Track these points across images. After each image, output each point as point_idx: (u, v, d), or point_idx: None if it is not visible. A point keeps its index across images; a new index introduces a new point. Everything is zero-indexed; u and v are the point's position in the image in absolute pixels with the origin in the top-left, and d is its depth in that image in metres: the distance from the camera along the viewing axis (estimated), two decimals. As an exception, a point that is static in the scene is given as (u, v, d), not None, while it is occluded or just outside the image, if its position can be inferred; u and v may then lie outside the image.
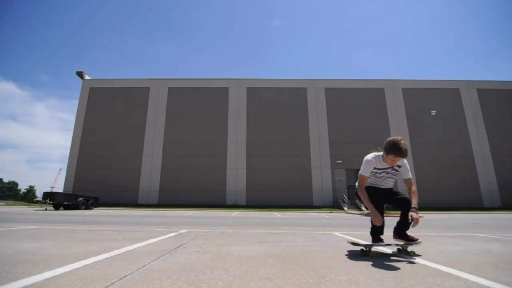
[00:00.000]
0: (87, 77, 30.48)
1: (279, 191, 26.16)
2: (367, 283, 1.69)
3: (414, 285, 1.67)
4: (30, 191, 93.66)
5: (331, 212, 19.07)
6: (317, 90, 29.46)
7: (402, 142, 2.65)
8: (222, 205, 25.35)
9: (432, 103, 28.61)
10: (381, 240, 2.87)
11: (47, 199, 16.30)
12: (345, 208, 23.11)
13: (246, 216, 11.69)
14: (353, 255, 2.67)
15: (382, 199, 2.99)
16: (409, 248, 2.80)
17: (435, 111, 27.97)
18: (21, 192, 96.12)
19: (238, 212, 16.37)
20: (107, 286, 1.55)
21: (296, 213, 17.17)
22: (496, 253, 2.91)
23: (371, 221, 2.85)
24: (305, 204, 25.67)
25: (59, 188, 79.78)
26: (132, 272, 1.86)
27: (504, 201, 25.92)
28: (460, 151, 27.42)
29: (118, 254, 2.51)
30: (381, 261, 2.41)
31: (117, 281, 1.66)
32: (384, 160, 2.85)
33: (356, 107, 28.68)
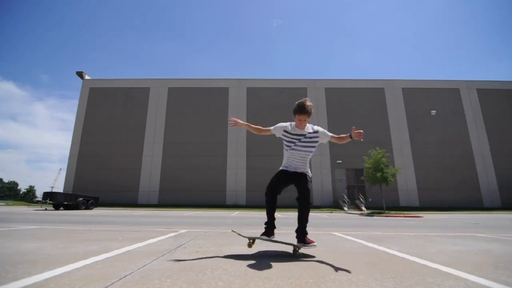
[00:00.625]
0: (87, 77, 30.49)
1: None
2: (367, 283, 1.69)
3: (414, 285, 1.67)
4: (30, 191, 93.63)
5: (331, 212, 19.07)
6: (317, 90, 29.46)
7: (306, 101, 2.74)
8: (222, 205, 25.35)
9: (432, 103, 28.61)
10: (271, 234, 2.79)
11: (47, 199, 16.31)
12: (345, 208, 23.12)
13: (246, 216, 11.69)
14: (353, 255, 2.67)
15: (283, 183, 3.02)
16: (301, 250, 2.70)
17: (435, 111, 27.97)
18: (21, 192, 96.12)
19: (238, 212, 16.37)
20: (107, 286, 1.55)
21: (296, 213, 17.14)
22: (496, 253, 2.91)
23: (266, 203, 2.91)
24: (305, 204, 25.63)
25: (59, 188, 79.76)
26: (132, 272, 1.86)
27: (504, 201, 25.92)
28: (460, 151, 27.41)
29: (118, 254, 2.51)
30: (382, 258, 2.41)
31: (117, 281, 1.66)
32: (296, 126, 2.89)
33: (356, 107, 28.68)
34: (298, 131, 2.89)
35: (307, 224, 2.88)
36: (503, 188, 26.25)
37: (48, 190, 37.09)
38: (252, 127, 3.06)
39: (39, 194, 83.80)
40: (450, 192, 26.05)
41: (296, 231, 2.84)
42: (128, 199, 25.67)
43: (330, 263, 2.29)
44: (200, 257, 2.47)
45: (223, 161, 27.27)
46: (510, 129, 28.07)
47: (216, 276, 1.82)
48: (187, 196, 25.77)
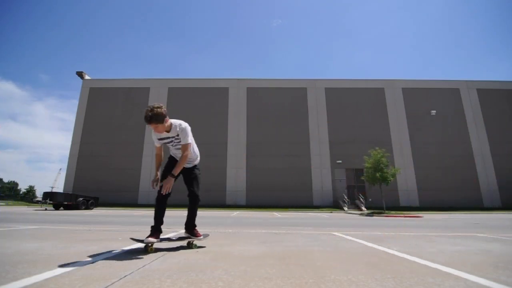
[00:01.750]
0: (87, 77, 30.49)
1: (279, 191, 26.15)
2: (367, 283, 1.69)
3: (414, 285, 1.67)
4: (30, 191, 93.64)
5: (331, 212, 19.07)
6: (317, 90, 29.46)
7: (148, 108, 2.65)
8: (222, 205, 25.35)
9: (432, 103, 28.61)
10: (159, 231, 2.83)
11: (47, 199, 16.32)
12: (345, 208, 23.12)
13: (246, 216, 11.69)
14: (353, 255, 2.67)
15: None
16: (195, 242, 3.02)
17: (435, 111, 27.98)
18: (21, 192, 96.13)
19: (238, 212, 16.37)
20: (107, 286, 1.55)
21: (296, 213, 17.17)
22: (496, 253, 2.91)
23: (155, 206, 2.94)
24: (305, 204, 25.67)
25: (59, 188, 79.78)
26: (132, 272, 1.86)
27: (504, 201, 25.92)
28: (460, 151, 27.42)
29: (118, 254, 2.52)
30: (382, 258, 2.41)
31: (117, 281, 1.66)
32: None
33: (356, 107, 28.68)
34: (164, 135, 2.93)
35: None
36: (503, 188, 26.25)
37: (48, 190, 37.10)
38: (157, 167, 3.15)
39: (39, 194, 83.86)
40: (450, 192, 26.05)
41: (188, 225, 3.13)
42: (128, 199, 25.67)
43: (330, 263, 2.29)
44: (200, 257, 2.47)
45: (223, 161, 27.27)
46: (510, 129, 28.07)
47: (216, 276, 1.82)
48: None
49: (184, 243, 3.11)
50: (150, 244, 2.67)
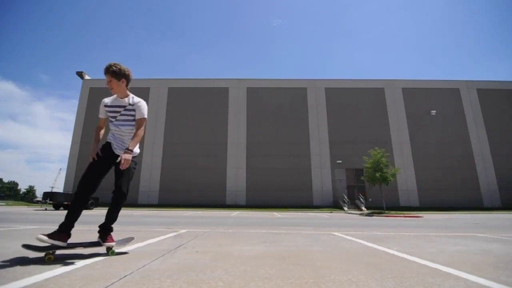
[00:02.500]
0: (87, 77, 30.50)
1: (279, 191, 26.15)
2: (367, 283, 1.69)
3: (414, 285, 1.67)
4: (30, 191, 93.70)
5: (331, 212, 19.07)
6: (317, 90, 29.46)
7: (112, 63, 2.50)
8: (222, 205, 25.36)
9: (432, 103, 28.61)
10: (67, 235, 2.29)
11: (47, 199, 16.33)
12: (345, 208, 23.12)
13: (246, 216, 11.69)
14: (353, 255, 2.67)
15: (103, 170, 2.68)
16: (114, 248, 2.52)
17: (435, 111, 27.98)
18: (21, 192, 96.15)
19: (238, 212, 16.37)
20: (107, 286, 1.55)
21: (296, 213, 17.17)
22: (496, 253, 2.91)
23: (69, 208, 2.40)
24: (305, 204, 25.67)
25: (59, 188, 79.85)
26: (132, 272, 1.86)
27: (504, 201, 25.92)
28: (460, 151, 27.42)
29: (118, 254, 2.51)
30: (382, 258, 2.41)
31: (117, 281, 1.66)
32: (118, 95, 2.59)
33: (356, 107, 28.68)
34: (114, 103, 2.59)
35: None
36: (503, 188, 26.25)
37: (48, 190, 37.10)
38: (96, 138, 2.74)
39: (39, 194, 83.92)
40: (450, 192, 26.06)
41: (104, 226, 2.61)
42: (128, 199, 25.34)
43: (330, 263, 2.29)
44: (200, 257, 2.47)
45: (223, 161, 27.27)
46: (510, 129, 28.07)
47: (216, 276, 1.82)
48: (187, 196, 25.77)
49: (100, 249, 2.62)
50: (51, 251, 2.14)
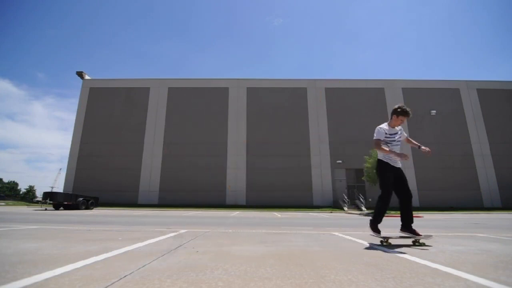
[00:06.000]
0: (87, 77, 30.50)
1: (279, 191, 26.16)
2: (367, 283, 1.69)
3: (414, 285, 1.67)
4: (30, 191, 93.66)
5: (331, 212, 19.07)
6: (317, 90, 29.47)
7: (407, 107, 3.57)
8: (222, 205, 25.36)
9: (432, 103, 28.62)
10: (378, 231, 3.38)
11: (47, 199, 16.31)
12: (345, 208, 23.11)
13: (246, 216, 11.69)
14: (353, 255, 2.67)
15: (392, 179, 3.54)
16: (421, 240, 3.29)
17: (435, 111, 27.98)
18: (21, 192, 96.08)
19: (238, 212, 16.37)
20: (107, 286, 1.55)
21: (296, 213, 17.17)
22: (496, 253, 2.91)
23: (376, 210, 3.47)
24: (305, 204, 25.67)
25: (59, 188, 79.83)
26: (132, 272, 1.86)
27: (504, 201, 25.93)
28: (460, 151, 27.42)
29: (118, 254, 2.51)
30: (382, 258, 2.41)
31: (117, 281, 1.66)
32: (392, 125, 3.61)
33: (356, 107, 28.69)
34: (394, 130, 3.65)
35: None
36: (503, 188, 26.25)
37: (48, 190, 37.09)
38: (385, 149, 3.64)
39: (39, 194, 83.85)
40: (450, 192, 26.06)
41: (407, 225, 3.41)
42: (128, 199, 25.68)
43: (330, 263, 2.29)
44: (200, 257, 2.47)
45: (223, 161, 27.27)
46: (510, 129, 28.08)
47: (216, 276, 1.82)
48: (187, 196, 25.78)
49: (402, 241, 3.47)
50: (385, 239, 3.29)
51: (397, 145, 3.62)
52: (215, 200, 25.81)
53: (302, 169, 27.03)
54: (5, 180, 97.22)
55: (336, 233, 4.80)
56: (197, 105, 28.85)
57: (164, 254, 2.55)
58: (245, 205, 25.40)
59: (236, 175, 26.93)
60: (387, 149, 3.50)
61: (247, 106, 28.89)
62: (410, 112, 3.55)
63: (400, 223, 3.51)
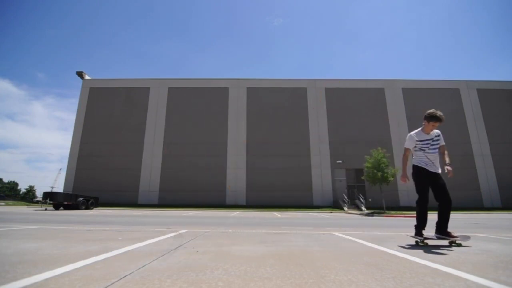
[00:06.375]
0: (87, 77, 30.50)
1: (279, 191, 26.16)
2: (367, 283, 1.69)
3: (414, 285, 1.67)
4: (30, 191, 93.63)
5: (331, 212, 19.08)
6: (317, 90, 29.46)
7: (438, 112, 3.58)
8: (222, 205, 25.36)
9: (432, 103, 28.56)
10: (421, 234, 3.48)
11: (47, 199, 16.32)
12: (345, 208, 23.11)
13: (246, 216, 11.69)
14: (353, 255, 2.67)
15: (428, 185, 3.55)
16: (457, 241, 3.37)
17: (435, 111, 27.95)
18: (21, 192, 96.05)
19: (238, 212, 16.38)
20: (107, 286, 1.55)
21: (296, 213, 17.17)
22: (496, 253, 2.91)
23: (416, 216, 3.57)
24: (305, 204, 25.67)
25: (59, 188, 79.84)
26: (132, 272, 1.86)
27: (504, 201, 25.92)
28: (460, 151, 27.41)
29: (118, 254, 2.51)
30: (382, 258, 2.41)
31: (117, 281, 1.66)
32: (424, 131, 3.63)
33: (356, 107, 28.68)
34: (426, 137, 3.67)
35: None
36: (503, 188, 26.24)
37: (48, 190, 37.09)
38: (405, 163, 3.82)
39: (39, 194, 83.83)
40: (450, 192, 25.91)
41: (442, 227, 3.53)
42: (128, 199, 25.68)
43: (330, 263, 2.29)
44: (200, 257, 2.47)
45: (223, 161, 27.27)
46: (510, 129, 28.07)
47: (216, 276, 1.82)
48: (187, 196, 25.77)
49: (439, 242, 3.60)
50: (422, 241, 3.42)
51: (433, 150, 3.59)
52: (215, 200, 25.80)
53: (302, 169, 27.03)
54: (5, 180, 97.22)
55: (336, 233, 4.80)
56: (197, 105, 28.85)
57: (164, 254, 2.55)
58: (245, 205, 25.40)
59: (236, 175, 26.93)
60: (404, 165, 3.69)
61: (247, 106, 28.88)
62: (441, 116, 3.51)
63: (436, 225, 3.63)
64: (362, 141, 26.55)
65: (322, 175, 26.94)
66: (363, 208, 22.81)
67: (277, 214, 14.39)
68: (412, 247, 3.28)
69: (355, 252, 2.85)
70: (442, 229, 3.48)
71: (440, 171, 3.58)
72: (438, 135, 3.66)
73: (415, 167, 3.66)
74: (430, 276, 1.89)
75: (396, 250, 2.96)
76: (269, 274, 1.90)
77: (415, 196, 3.82)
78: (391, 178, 17.37)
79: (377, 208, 21.54)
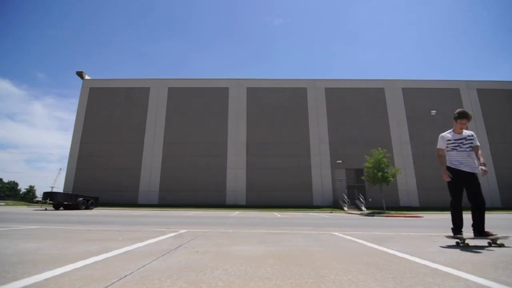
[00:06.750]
0: (87, 77, 30.50)
1: (279, 191, 26.15)
2: (367, 283, 1.69)
3: (414, 285, 1.67)
4: (30, 191, 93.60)
5: (331, 212, 19.08)
6: (317, 90, 29.46)
7: (465, 110, 3.60)
8: (222, 205, 25.35)
9: (432, 103, 28.61)
10: (461, 234, 3.49)
11: (47, 199, 16.31)
12: (345, 208, 23.11)
13: (246, 216, 11.69)
14: (353, 255, 2.67)
15: (461, 185, 3.54)
16: (498, 241, 3.36)
17: (435, 111, 27.98)
18: (21, 192, 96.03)
19: (238, 212, 16.37)
20: (107, 286, 1.55)
21: (296, 213, 17.17)
22: (496, 253, 2.91)
23: (451, 217, 3.61)
24: (305, 204, 25.66)
25: (59, 188, 79.85)
26: (132, 272, 1.86)
27: (504, 201, 25.92)
28: (460, 151, 27.37)
29: (118, 254, 2.51)
30: (382, 258, 2.41)
31: (117, 281, 1.66)
32: (455, 131, 3.63)
33: (356, 107, 28.68)
34: (457, 136, 3.65)
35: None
36: (503, 188, 26.24)
37: (48, 190, 37.09)
38: (443, 162, 3.73)
39: (39, 194, 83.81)
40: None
41: (479, 229, 3.45)
42: (128, 199, 25.67)
43: (330, 263, 2.29)
44: (200, 257, 2.47)
45: (223, 161, 27.27)
46: (510, 129, 28.07)
47: (216, 276, 1.82)
48: (187, 196, 25.77)
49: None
50: (462, 241, 3.43)
51: (465, 150, 3.56)
52: (215, 200, 25.80)
53: (302, 169, 27.03)
54: (5, 180, 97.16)
55: (336, 233, 4.80)
56: (197, 105, 28.85)
57: (164, 254, 2.55)
58: (245, 205, 25.40)
59: (236, 175, 26.93)
60: (442, 164, 3.67)
61: (247, 106, 28.88)
62: (467, 112, 3.53)
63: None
64: (362, 141, 26.55)
65: (322, 175, 26.94)
66: (363, 208, 22.81)
67: (277, 214, 14.39)
68: (412, 247, 3.27)
69: (355, 252, 2.85)
70: (478, 231, 3.46)
71: (477, 171, 3.53)
72: (472, 135, 3.64)
73: (447, 168, 3.66)
74: (430, 276, 1.89)
75: (396, 250, 2.96)
76: (269, 274, 1.90)
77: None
78: (391, 178, 17.36)
79: (377, 208, 21.54)
